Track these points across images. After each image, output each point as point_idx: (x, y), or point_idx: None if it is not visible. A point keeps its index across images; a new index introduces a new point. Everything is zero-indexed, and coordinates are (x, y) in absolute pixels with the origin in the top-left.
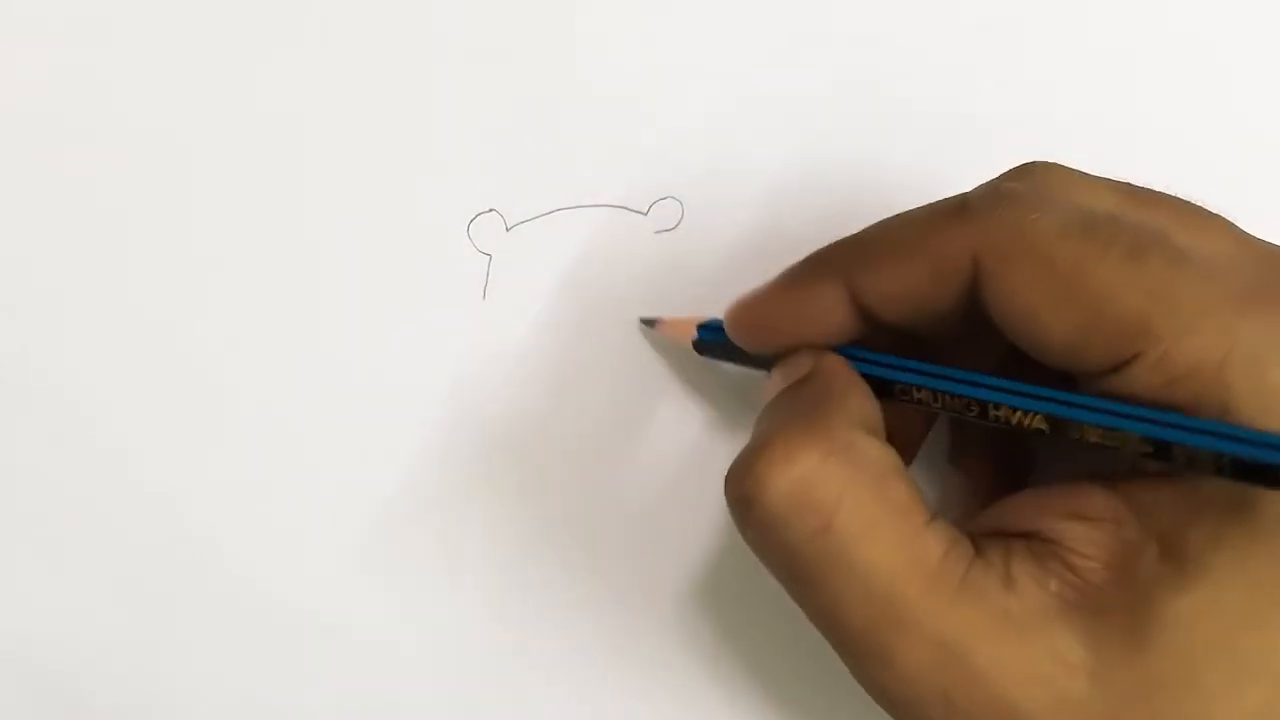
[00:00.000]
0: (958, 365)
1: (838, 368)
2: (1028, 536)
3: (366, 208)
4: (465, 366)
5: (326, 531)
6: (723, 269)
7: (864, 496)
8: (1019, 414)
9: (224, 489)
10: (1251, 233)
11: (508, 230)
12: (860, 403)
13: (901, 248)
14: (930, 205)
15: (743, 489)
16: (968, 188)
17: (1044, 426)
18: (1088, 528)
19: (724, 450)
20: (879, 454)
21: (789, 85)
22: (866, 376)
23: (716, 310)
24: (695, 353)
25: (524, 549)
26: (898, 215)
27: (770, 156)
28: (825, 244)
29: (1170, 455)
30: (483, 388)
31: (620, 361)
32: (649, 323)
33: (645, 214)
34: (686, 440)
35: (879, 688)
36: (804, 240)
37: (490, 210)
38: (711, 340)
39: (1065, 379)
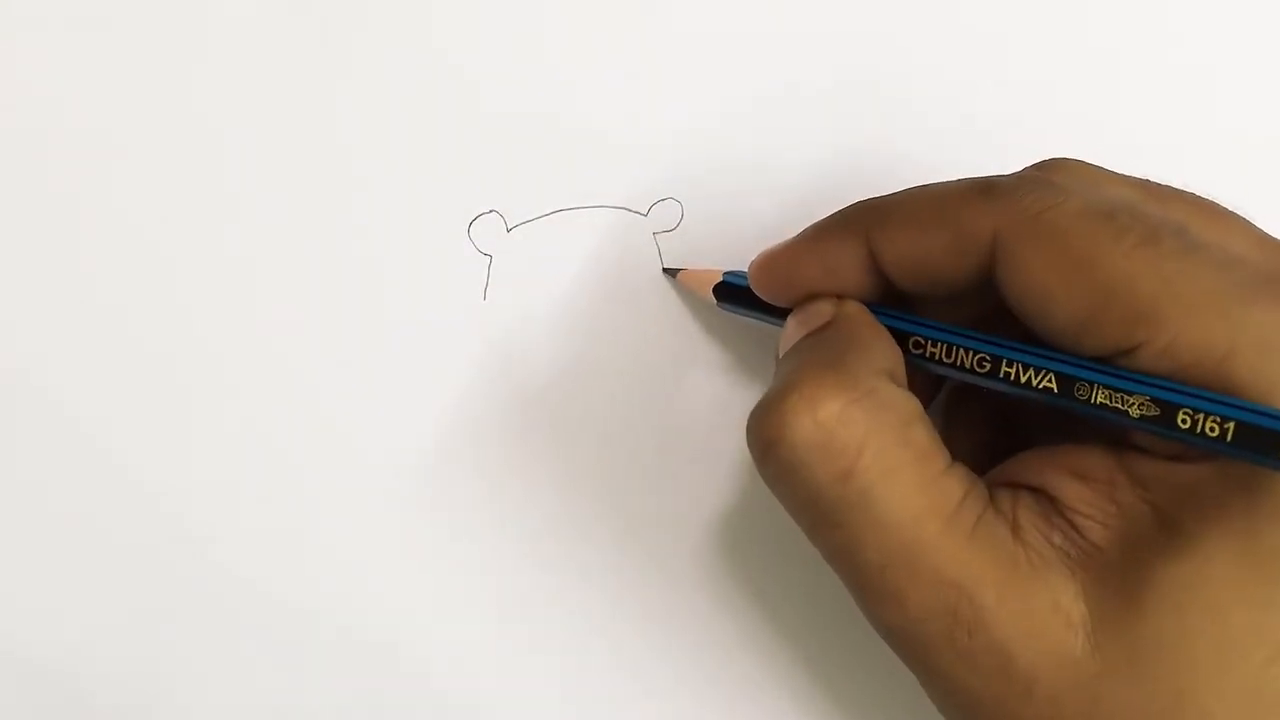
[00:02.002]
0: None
1: (860, 314)
2: (1035, 491)
3: (367, 208)
4: (465, 366)
5: (326, 531)
6: (723, 269)
7: (887, 441)
8: (1030, 371)
9: (224, 489)
10: (1268, 232)
11: (508, 231)
12: (884, 349)
13: (925, 216)
14: (954, 182)
15: (767, 431)
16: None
17: (1053, 385)
18: (1087, 488)
19: (724, 448)
20: (902, 399)
21: (789, 85)
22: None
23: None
24: (715, 305)
25: (524, 549)
26: (924, 185)
27: (770, 157)
28: (847, 205)
29: (1174, 422)
30: (483, 388)
31: (621, 361)
32: (671, 272)
33: (645, 214)
34: (687, 441)
35: (888, 626)
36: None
37: (491, 211)
38: (732, 290)
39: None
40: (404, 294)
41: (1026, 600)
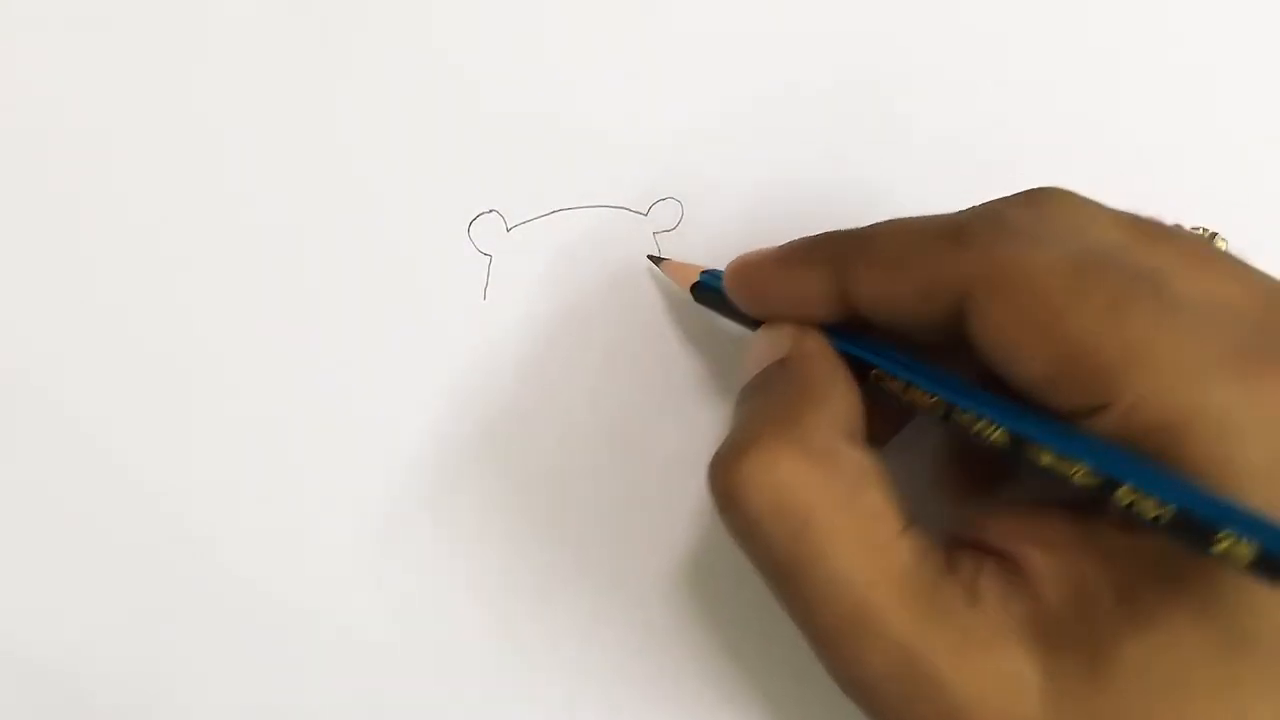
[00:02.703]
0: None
1: (819, 357)
2: (997, 555)
3: (367, 208)
4: (465, 366)
5: (326, 531)
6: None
7: (838, 504)
8: (982, 423)
9: (224, 489)
10: (1265, 271)
11: (508, 231)
12: (841, 401)
13: (895, 258)
14: (929, 220)
15: (724, 486)
16: (966, 188)
17: (1004, 441)
18: (1051, 557)
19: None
20: (856, 460)
21: (789, 85)
22: (845, 355)
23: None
24: (692, 300)
25: (524, 547)
26: (897, 222)
27: (771, 157)
28: (823, 231)
29: (1115, 498)
30: (483, 388)
31: (621, 362)
32: (656, 260)
33: (645, 214)
34: (688, 440)
35: (847, 683)
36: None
37: (491, 211)
38: (709, 289)
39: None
40: (404, 294)
41: (983, 668)
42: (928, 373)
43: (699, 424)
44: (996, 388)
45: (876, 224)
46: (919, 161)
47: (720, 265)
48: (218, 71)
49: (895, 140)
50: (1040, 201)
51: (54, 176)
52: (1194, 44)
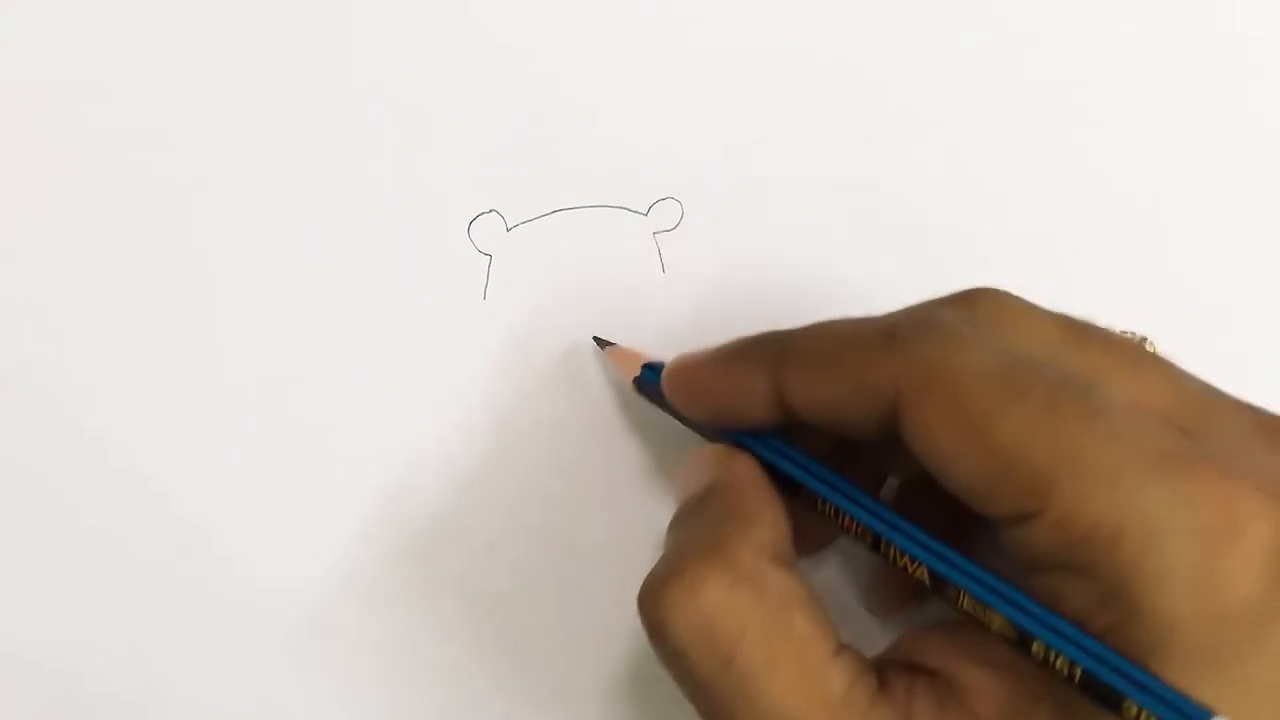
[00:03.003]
0: (878, 465)
1: (747, 476)
2: (931, 674)
3: (367, 208)
4: (465, 366)
5: (326, 531)
6: (722, 270)
7: (768, 628)
8: (905, 559)
9: (224, 489)
10: (1196, 376)
11: (508, 231)
12: (768, 524)
13: (827, 361)
14: (861, 322)
15: (650, 614)
16: (966, 187)
17: (925, 578)
18: (987, 674)
19: None
20: (784, 583)
21: (790, 85)
22: (776, 472)
23: (722, 316)
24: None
25: (524, 548)
26: (831, 323)
27: (770, 156)
28: (759, 333)
29: (1029, 649)
30: (482, 388)
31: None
32: (601, 343)
33: (645, 214)
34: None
35: None
36: (805, 240)
37: (490, 210)
38: (651, 384)
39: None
40: (404, 294)
41: None
42: (858, 499)
43: None
44: (934, 487)
45: (810, 325)
46: (921, 160)
47: (722, 267)
48: (217, 71)
49: (896, 140)
50: (973, 302)
51: (53, 176)
52: (1196, 42)
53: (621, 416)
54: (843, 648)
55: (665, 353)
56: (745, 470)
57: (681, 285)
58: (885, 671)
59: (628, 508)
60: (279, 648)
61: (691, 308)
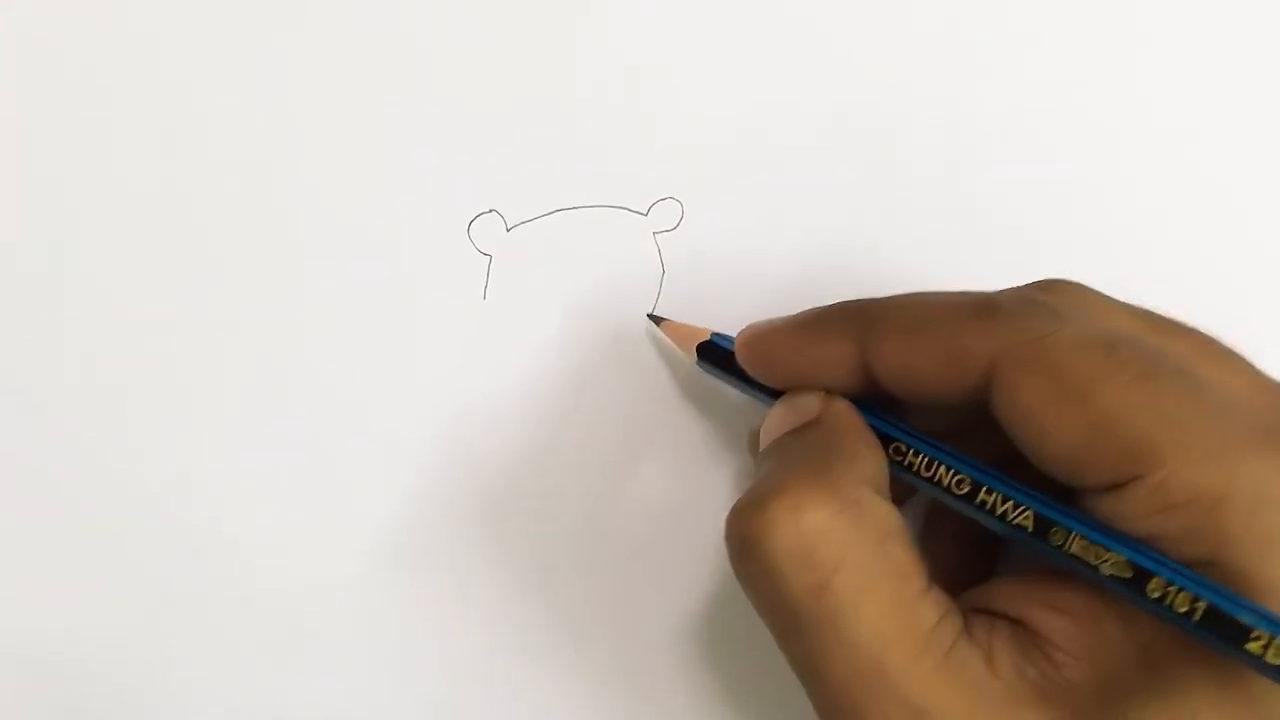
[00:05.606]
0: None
1: (848, 416)
2: (1013, 621)
3: (367, 208)
4: (465, 367)
5: (325, 532)
6: (723, 270)
7: (866, 558)
8: (1009, 504)
9: (224, 490)
10: (1268, 374)
11: (508, 231)
12: (870, 457)
13: (922, 331)
14: (957, 294)
15: (747, 530)
16: (966, 187)
17: (1028, 524)
18: (1070, 623)
19: (724, 456)
20: (885, 513)
21: (790, 85)
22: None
23: (719, 318)
24: (695, 363)
25: (524, 548)
26: (922, 294)
27: (771, 156)
28: (840, 301)
29: (1144, 589)
30: (482, 388)
31: (622, 363)
32: (655, 320)
33: (645, 214)
34: (690, 444)
35: None
36: (805, 240)
37: (490, 211)
38: (717, 354)
39: (1060, 493)
40: (404, 294)
41: None
42: (951, 451)
43: (704, 429)
44: (1014, 471)
45: (899, 295)
46: (921, 160)
47: (722, 267)
48: (217, 72)
49: (896, 139)
50: (1058, 289)
51: (54, 176)
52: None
53: (623, 416)
54: (931, 585)
55: (667, 352)
56: (844, 409)
57: (681, 285)
58: (968, 614)
59: (628, 507)
60: (279, 648)
61: (692, 309)
